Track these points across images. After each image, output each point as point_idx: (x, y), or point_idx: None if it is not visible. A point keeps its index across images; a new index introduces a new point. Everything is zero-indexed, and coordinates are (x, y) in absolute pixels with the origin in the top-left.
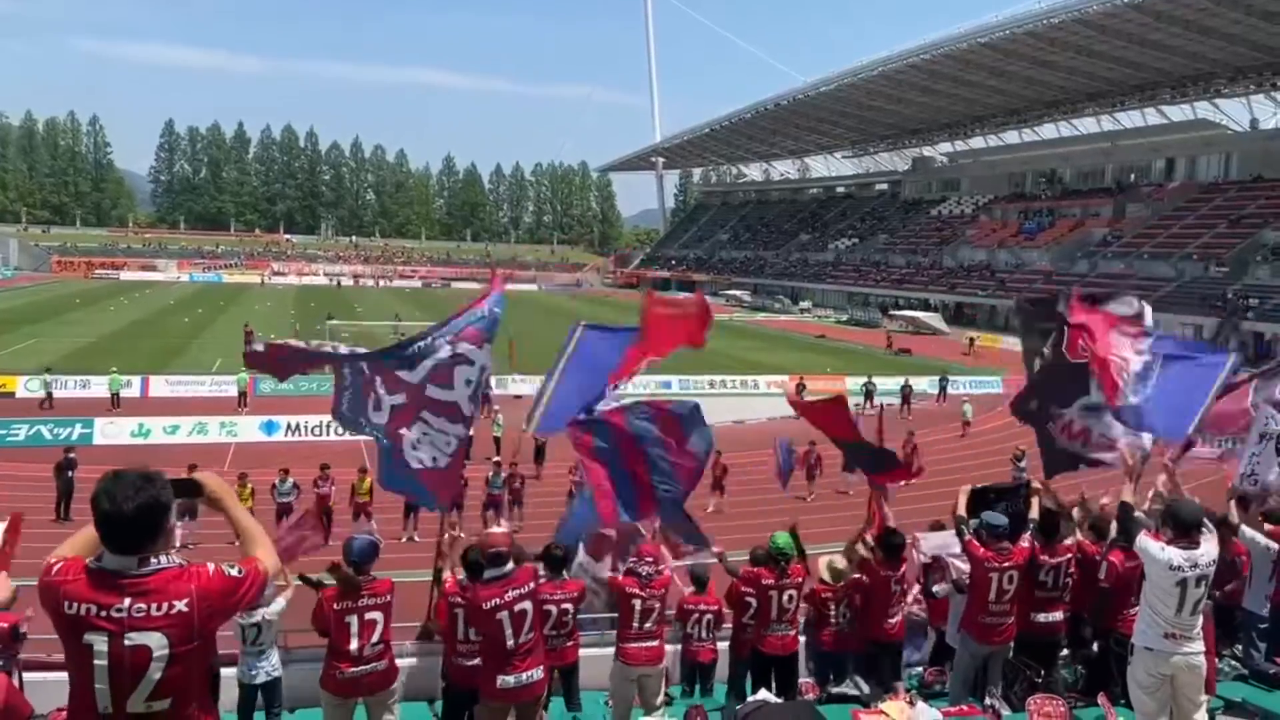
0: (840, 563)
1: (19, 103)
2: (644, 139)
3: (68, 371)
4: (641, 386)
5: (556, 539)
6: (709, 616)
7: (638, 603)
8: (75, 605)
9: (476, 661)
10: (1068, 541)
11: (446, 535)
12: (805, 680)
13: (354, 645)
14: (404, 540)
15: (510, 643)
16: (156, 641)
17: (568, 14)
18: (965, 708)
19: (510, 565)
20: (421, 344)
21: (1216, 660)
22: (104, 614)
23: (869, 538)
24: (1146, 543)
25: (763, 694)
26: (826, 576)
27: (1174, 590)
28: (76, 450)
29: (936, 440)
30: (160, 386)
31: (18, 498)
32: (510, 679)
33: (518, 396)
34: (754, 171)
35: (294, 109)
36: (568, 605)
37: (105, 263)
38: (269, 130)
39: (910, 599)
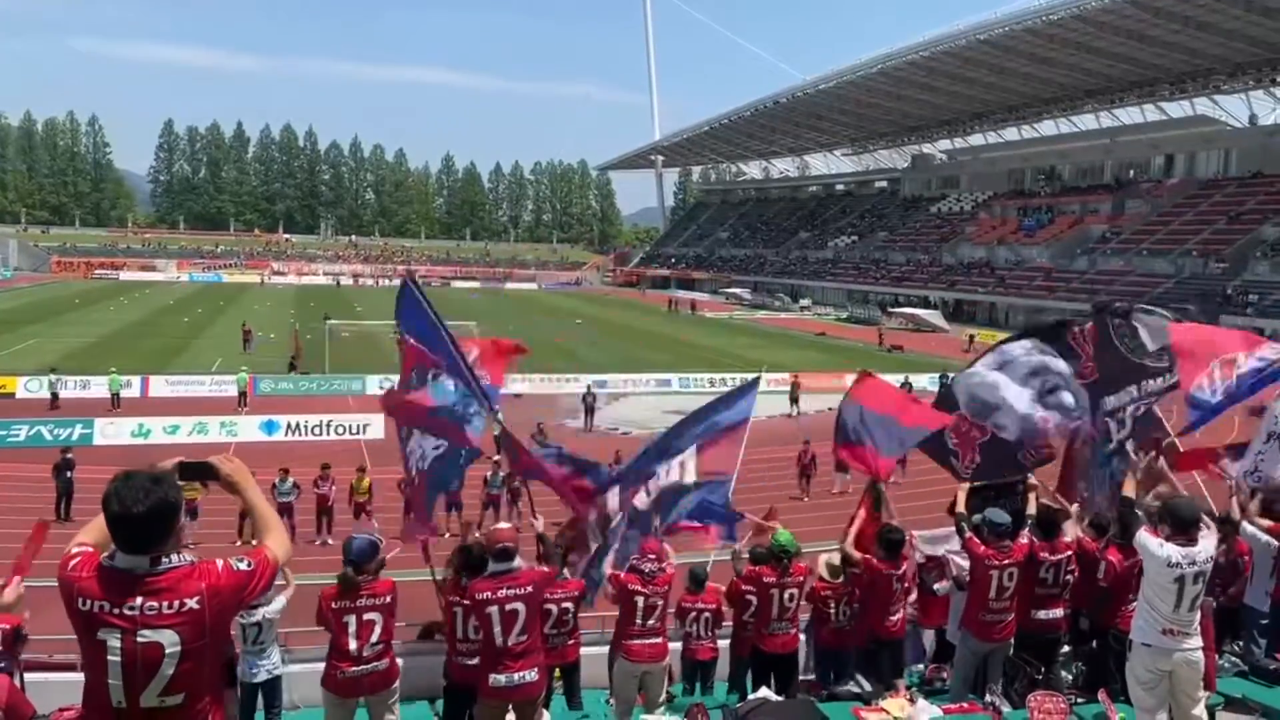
0: (838, 560)
1: (18, 103)
2: (643, 137)
3: (68, 372)
4: (642, 386)
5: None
6: (707, 615)
7: (640, 600)
8: (89, 602)
9: (476, 661)
10: (1068, 538)
11: (469, 537)
12: (806, 678)
13: (353, 645)
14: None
15: (500, 641)
16: (168, 639)
17: (567, 12)
18: (966, 705)
19: (516, 563)
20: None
21: (1217, 656)
22: (116, 611)
23: (848, 545)
24: (1145, 539)
25: (763, 692)
26: (825, 574)
27: (1172, 587)
28: (76, 451)
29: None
30: (160, 386)
31: (18, 498)
32: (502, 678)
33: (517, 395)
34: (753, 169)
35: (293, 108)
36: (568, 604)
37: (105, 263)
38: (268, 130)
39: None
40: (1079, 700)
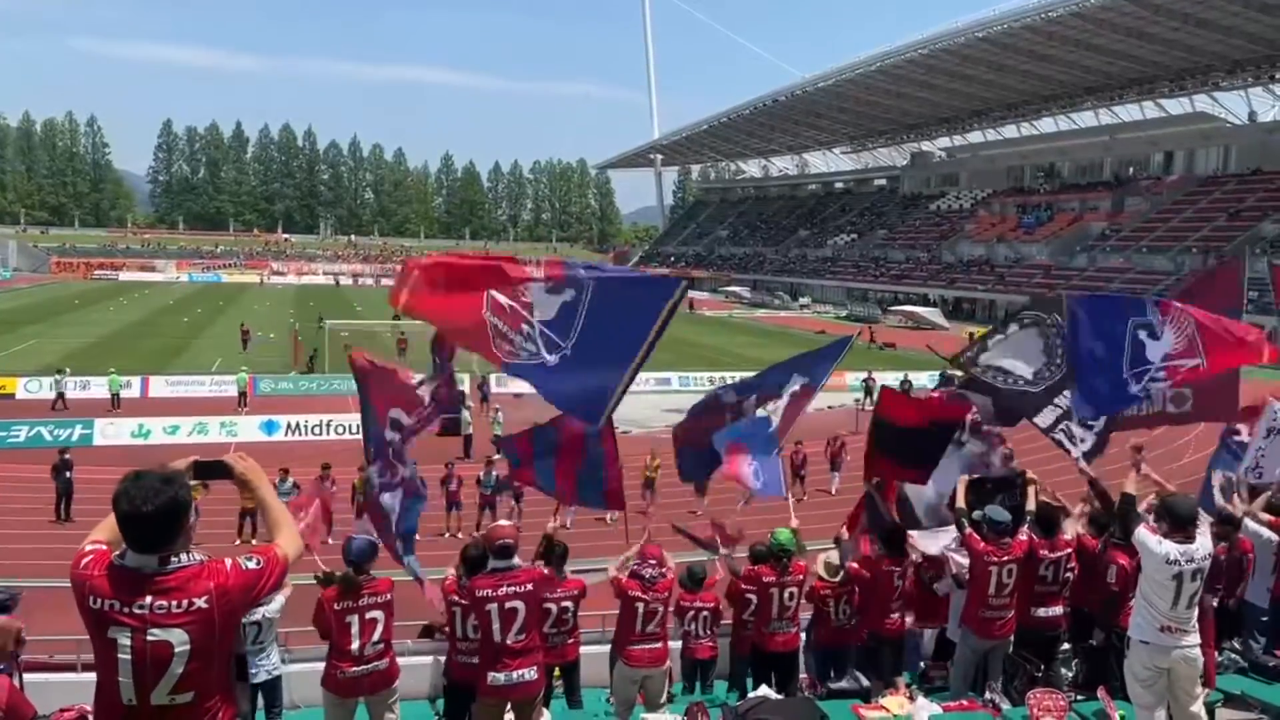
0: (836, 558)
1: (17, 103)
2: (642, 136)
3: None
4: (641, 385)
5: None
6: (706, 614)
7: (640, 605)
8: (99, 600)
9: (476, 659)
10: (1067, 536)
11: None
12: (806, 676)
13: (355, 645)
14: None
15: (498, 638)
16: (178, 638)
17: (566, 11)
18: (965, 702)
19: (515, 561)
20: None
21: (1216, 653)
22: (126, 610)
23: (845, 540)
24: (1144, 536)
25: (763, 690)
26: (824, 573)
27: (1170, 584)
28: (76, 452)
29: None
30: (160, 387)
31: (18, 499)
32: (500, 676)
33: (517, 395)
34: (753, 168)
35: (292, 108)
36: (568, 603)
37: (104, 263)
38: (267, 130)
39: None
40: (1079, 698)
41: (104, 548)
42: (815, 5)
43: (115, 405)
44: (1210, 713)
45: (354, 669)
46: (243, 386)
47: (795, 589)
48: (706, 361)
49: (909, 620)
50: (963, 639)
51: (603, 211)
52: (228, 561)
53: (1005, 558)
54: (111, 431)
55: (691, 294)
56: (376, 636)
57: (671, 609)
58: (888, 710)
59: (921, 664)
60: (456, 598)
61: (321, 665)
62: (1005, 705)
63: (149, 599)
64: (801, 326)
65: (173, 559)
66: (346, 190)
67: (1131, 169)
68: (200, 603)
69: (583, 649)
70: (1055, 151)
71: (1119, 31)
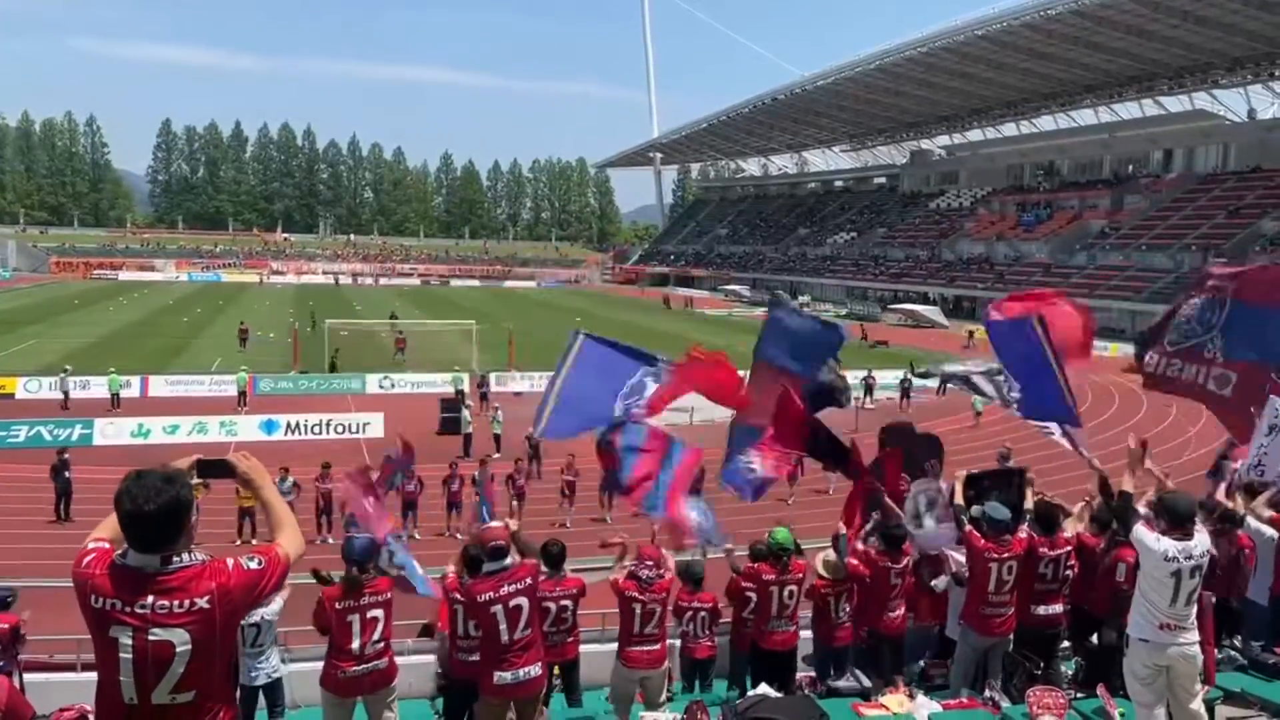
0: (835, 556)
1: (16, 103)
2: (642, 135)
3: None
4: None
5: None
6: (704, 614)
7: (638, 606)
8: (101, 600)
9: (477, 657)
10: (1067, 534)
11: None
12: (805, 674)
13: (355, 644)
14: (404, 538)
15: (505, 637)
16: (179, 638)
17: (565, 10)
18: (965, 700)
19: (509, 560)
20: None
21: (1216, 651)
22: (128, 609)
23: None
24: (1142, 533)
25: (763, 688)
26: (823, 571)
27: (1168, 581)
28: (76, 451)
29: (944, 432)
30: (160, 386)
31: (18, 499)
32: (507, 675)
33: (518, 394)
34: (752, 166)
35: (291, 108)
36: (567, 602)
37: (103, 263)
38: (266, 129)
39: None
40: (1078, 695)
41: (106, 546)
42: (815, 4)
43: (115, 405)
44: (1210, 710)
45: (354, 668)
46: (242, 386)
47: (795, 587)
48: None
49: (909, 619)
50: (962, 636)
51: (602, 210)
52: (229, 561)
53: (1005, 555)
54: (111, 431)
55: (691, 293)
56: (377, 635)
57: (670, 609)
58: (887, 708)
59: (921, 662)
60: (458, 595)
61: (321, 665)
62: (1005, 703)
63: (151, 598)
64: None
65: (175, 559)
66: (346, 189)
67: (1131, 167)
68: (202, 603)
69: (582, 648)
70: (1055, 149)
71: (1118, 29)
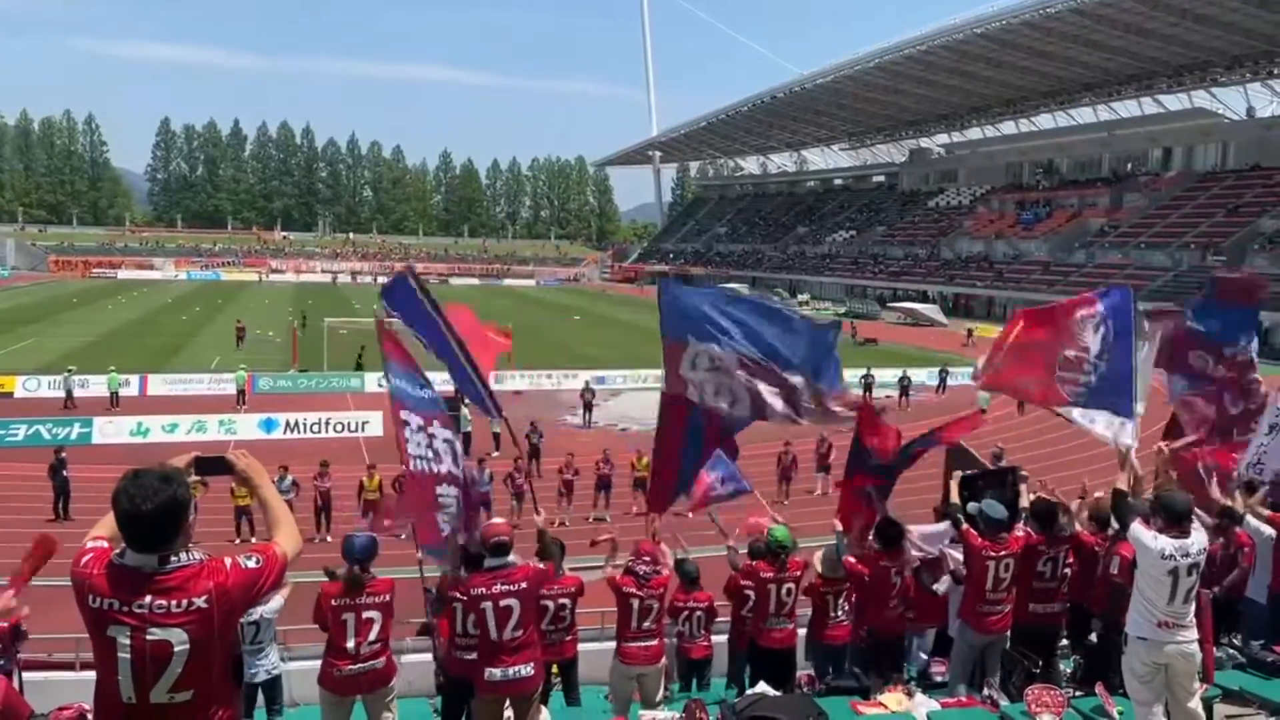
0: (834, 555)
1: (15, 102)
2: (641, 133)
3: (63, 371)
4: (640, 382)
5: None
6: (699, 613)
7: (635, 602)
8: (99, 599)
9: (474, 656)
10: (1066, 532)
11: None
12: (804, 672)
13: (350, 643)
14: (403, 537)
15: (494, 635)
16: (177, 637)
17: (564, 8)
18: (964, 699)
19: (510, 557)
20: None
21: (1215, 649)
22: (126, 609)
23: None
24: (1139, 532)
25: (761, 687)
26: (822, 569)
27: (1166, 579)
28: (75, 450)
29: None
30: (159, 385)
31: (17, 497)
32: (498, 673)
33: (517, 392)
34: (751, 164)
35: (290, 106)
36: (565, 600)
37: (102, 262)
38: (265, 127)
39: None
40: (1077, 694)
41: (105, 546)
42: (814, 2)
43: (114, 404)
44: (1209, 709)
45: (350, 667)
46: (241, 384)
47: (792, 585)
48: None
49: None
50: (959, 633)
51: (601, 209)
52: (227, 560)
53: (1002, 552)
54: (110, 430)
55: None
56: (373, 636)
57: (667, 606)
58: (886, 707)
59: (920, 659)
60: (456, 594)
61: (319, 663)
62: (1004, 701)
63: (149, 598)
64: None
65: (172, 558)
66: (345, 188)
67: (1130, 165)
68: (200, 602)
69: (581, 646)
70: (1054, 148)
71: (1117, 27)
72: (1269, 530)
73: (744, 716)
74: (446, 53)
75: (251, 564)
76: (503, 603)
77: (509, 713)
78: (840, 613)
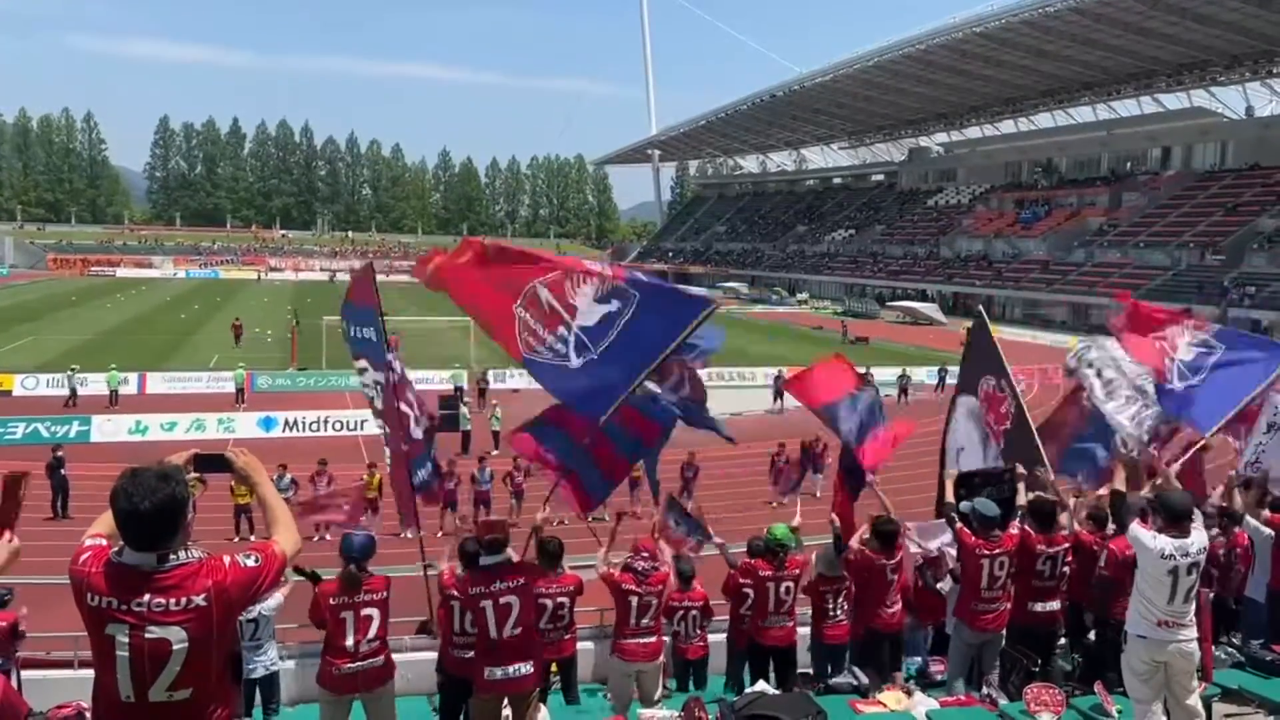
0: (833, 553)
1: (13, 100)
2: (640, 132)
3: (66, 370)
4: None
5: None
6: (695, 613)
7: (634, 599)
8: (97, 598)
9: (472, 654)
10: (1065, 531)
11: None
12: (803, 671)
13: (349, 641)
14: (403, 536)
15: (493, 634)
16: (176, 635)
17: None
18: (963, 697)
19: (507, 555)
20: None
21: (1214, 648)
22: (124, 607)
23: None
24: (1138, 531)
25: (760, 685)
26: (821, 568)
27: (1166, 578)
28: (74, 448)
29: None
30: (157, 383)
31: None
32: (497, 671)
33: (516, 391)
34: (750, 163)
35: (289, 104)
36: (564, 599)
37: (101, 260)
38: (264, 126)
39: None
40: (1076, 692)
41: (103, 544)
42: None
43: (113, 402)
44: (1208, 707)
45: (348, 665)
46: (240, 383)
47: (791, 583)
48: None
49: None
50: (956, 631)
51: (600, 207)
52: (226, 559)
53: (996, 551)
54: (109, 428)
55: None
56: (372, 634)
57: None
58: (885, 705)
59: (919, 659)
60: (454, 591)
61: (318, 661)
62: (1002, 700)
63: (147, 597)
64: (799, 322)
65: (171, 556)
66: (344, 186)
67: (1129, 164)
68: (199, 600)
69: (580, 645)
70: (1053, 147)
71: (1116, 26)
72: (1267, 531)
73: (743, 715)
74: (446, 51)
75: (250, 562)
76: (502, 600)
77: (507, 711)
78: (839, 612)
